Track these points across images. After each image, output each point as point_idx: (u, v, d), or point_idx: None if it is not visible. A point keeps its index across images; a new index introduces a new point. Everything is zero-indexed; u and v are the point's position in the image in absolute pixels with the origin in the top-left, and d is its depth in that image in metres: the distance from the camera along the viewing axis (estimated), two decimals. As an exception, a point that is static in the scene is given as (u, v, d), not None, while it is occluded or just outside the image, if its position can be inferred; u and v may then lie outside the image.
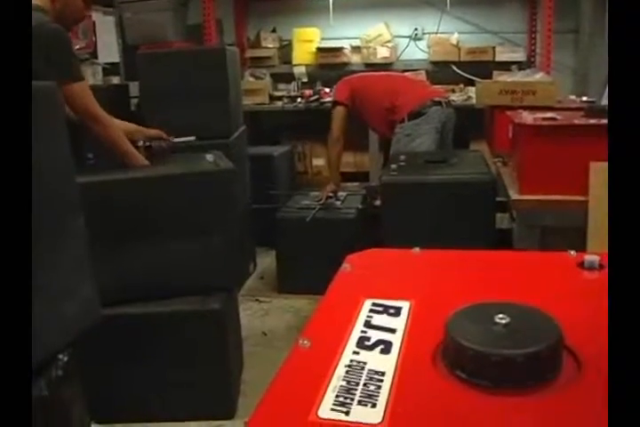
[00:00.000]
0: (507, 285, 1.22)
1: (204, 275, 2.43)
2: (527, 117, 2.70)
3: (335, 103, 3.99)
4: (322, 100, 5.35)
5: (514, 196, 2.60)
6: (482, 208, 2.85)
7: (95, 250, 1.59)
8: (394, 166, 3.03)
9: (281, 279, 3.78)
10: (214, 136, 3.31)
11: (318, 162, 5.70)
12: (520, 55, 5.45)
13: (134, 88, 4.27)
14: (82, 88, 2.23)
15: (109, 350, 2.35)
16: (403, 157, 3.22)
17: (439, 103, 3.85)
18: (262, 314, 3.51)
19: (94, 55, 4.87)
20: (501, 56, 5.41)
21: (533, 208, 2.57)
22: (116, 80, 5.09)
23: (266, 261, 4.20)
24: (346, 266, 1.34)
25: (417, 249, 1.40)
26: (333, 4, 5.71)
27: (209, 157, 2.56)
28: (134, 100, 4.48)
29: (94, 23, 4.82)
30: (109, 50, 5.10)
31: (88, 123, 2.27)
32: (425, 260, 1.39)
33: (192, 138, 2.87)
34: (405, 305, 1.13)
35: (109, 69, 5.05)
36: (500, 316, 0.93)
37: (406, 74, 5.17)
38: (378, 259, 1.42)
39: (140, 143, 2.59)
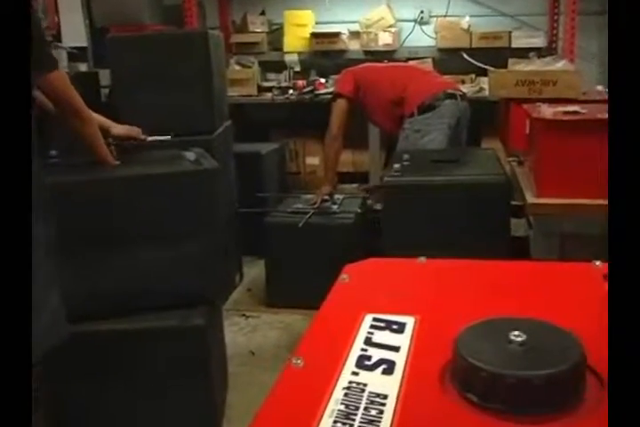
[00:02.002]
0: (523, 298, 1.23)
1: (185, 287, 2.43)
2: (546, 111, 2.71)
3: (336, 96, 4.02)
4: (316, 92, 5.36)
5: (530, 199, 2.61)
6: (495, 213, 2.86)
7: (61, 260, 1.59)
8: (397, 166, 3.04)
9: (270, 292, 3.79)
10: (196, 131, 3.33)
11: (312, 161, 5.73)
12: (539, 41, 5.45)
13: (104, 76, 4.26)
14: (62, 78, 2.21)
15: (79, 371, 2.35)
16: (407, 156, 3.23)
17: (453, 96, 3.86)
18: (249, 330, 3.51)
19: (57, 38, 4.80)
20: (518, 42, 5.42)
21: (552, 213, 2.57)
22: (83, 67, 5.02)
23: (253, 271, 4.21)
24: (344, 277, 1.34)
25: (422, 259, 1.41)
26: (328, -15, 5.74)
27: (190, 155, 2.56)
28: (105, 91, 4.46)
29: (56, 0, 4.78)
30: (75, 32, 5.02)
31: (68, 117, 2.26)
32: (431, 270, 1.39)
33: (168, 137, 2.85)
34: (410, 320, 1.13)
35: (75, 55, 4.96)
36: (516, 333, 0.93)
37: (411, 63, 5.19)
38: (379, 269, 1.43)
39: (111, 140, 2.58)
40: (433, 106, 3.77)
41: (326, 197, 3.93)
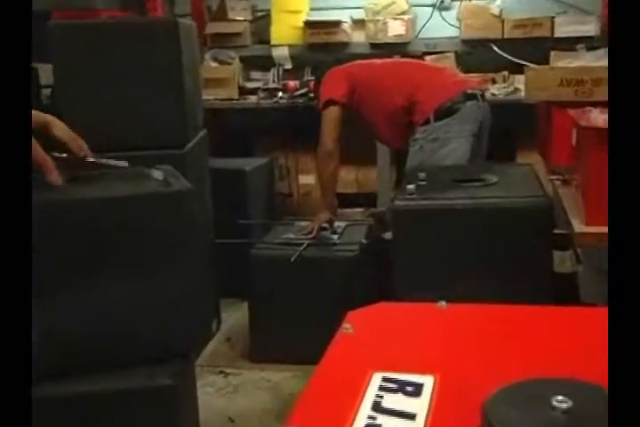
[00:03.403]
0: (567, 355, 1.23)
1: (149, 335, 2.42)
2: (598, 118, 2.71)
3: (327, 103, 4.00)
4: (312, 95, 5.35)
5: (579, 227, 2.61)
6: (533, 245, 2.87)
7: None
8: (411, 187, 3.05)
9: (255, 343, 3.78)
10: (164, 145, 3.34)
11: (307, 180, 5.74)
12: (590, 28, 5.37)
13: (46, 73, 4.25)
14: None
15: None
16: (423, 175, 3.24)
17: (474, 97, 3.90)
18: (229, 391, 3.51)
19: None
20: (563, 30, 5.40)
21: (606, 245, 2.58)
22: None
23: (234, 316, 4.22)
24: (347, 327, 1.35)
25: (443, 303, 1.42)
26: (327, -40, 5.79)
27: (156, 173, 2.56)
28: (46, 91, 4.47)
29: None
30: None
31: None
32: (454, 318, 1.40)
33: (123, 163, 2.69)
34: (428, 381, 1.14)
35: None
36: (559, 398, 0.93)
37: (427, 59, 5.23)
38: (390, 317, 1.43)
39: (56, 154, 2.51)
40: (453, 109, 3.82)
41: (325, 225, 3.93)
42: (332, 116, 3.95)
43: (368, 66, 4.21)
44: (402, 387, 1.12)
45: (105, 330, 2.37)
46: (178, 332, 2.46)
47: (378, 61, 4.31)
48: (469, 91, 3.92)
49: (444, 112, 3.81)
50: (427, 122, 3.81)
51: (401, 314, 1.46)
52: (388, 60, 4.40)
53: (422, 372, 1.16)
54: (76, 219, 2.34)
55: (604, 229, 2.54)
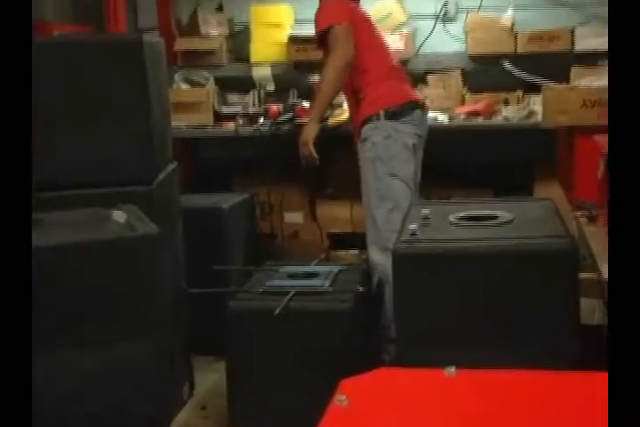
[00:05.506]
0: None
1: (110, 404, 2.40)
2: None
3: (332, 26, 4.28)
4: (298, 121, 5.35)
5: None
6: (555, 293, 2.85)
7: None
8: (412, 227, 3.04)
9: (234, 411, 3.73)
10: (128, 180, 3.33)
11: (293, 218, 5.74)
12: (616, 41, 5.49)
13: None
14: None
15: None
16: (426, 211, 3.23)
17: (421, 106, 4.44)
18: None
19: None
20: (584, 43, 5.42)
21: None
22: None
23: (210, 378, 4.20)
24: (341, 398, 1.34)
25: (451, 370, 1.40)
26: (314, -34, 5.81)
27: (118, 215, 2.56)
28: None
29: None
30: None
31: None
32: (464, 388, 1.39)
33: None
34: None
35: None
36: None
37: (430, 77, 5.32)
38: (390, 387, 1.42)
39: None
40: (398, 114, 4.32)
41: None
42: (343, 33, 4.26)
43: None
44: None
45: (58, 398, 2.36)
46: (144, 402, 2.44)
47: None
48: (417, 99, 4.50)
49: (391, 115, 4.30)
50: (376, 117, 4.31)
51: (403, 383, 1.45)
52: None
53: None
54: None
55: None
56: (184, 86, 5.77)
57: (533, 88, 5.28)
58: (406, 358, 2.68)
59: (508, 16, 5.57)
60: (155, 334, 2.46)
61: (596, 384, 1.42)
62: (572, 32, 5.47)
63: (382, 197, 4.31)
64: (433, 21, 5.89)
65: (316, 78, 5.09)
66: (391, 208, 4.26)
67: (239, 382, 3.72)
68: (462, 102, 5.50)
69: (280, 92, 5.84)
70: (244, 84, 5.90)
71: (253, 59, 5.86)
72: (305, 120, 5.17)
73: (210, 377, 4.19)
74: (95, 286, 2.36)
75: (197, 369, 4.16)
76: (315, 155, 4.39)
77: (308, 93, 5.38)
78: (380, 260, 4.19)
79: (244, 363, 3.70)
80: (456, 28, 5.87)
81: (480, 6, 5.75)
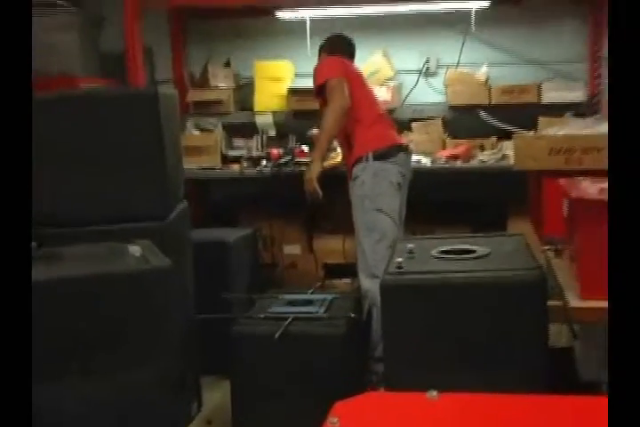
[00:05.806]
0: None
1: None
2: (590, 188, 2.69)
3: (329, 80, 4.38)
4: (297, 160, 5.40)
5: (574, 302, 2.57)
6: (527, 318, 2.82)
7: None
8: (399, 260, 3.02)
9: (238, 425, 3.70)
10: (142, 217, 3.31)
11: (292, 250, 5.71)
12: (578, 95, 5.52)
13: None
14: None
15: None
16: (411, 246, 3.21)
17: (405, 148, 4.60)
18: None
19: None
20: (550, 96, 5.52)
21: (604, 320, 2.53)
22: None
23: (215, 397, 4.15)
24: (333, 421, 1.30)
25: (433, 394, 1.37)
26: (311, 27, 5.83)
27: (134, 249, 2.54)
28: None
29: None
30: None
31: None
32: (443, 410, 1.36)
33: None
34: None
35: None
36: None
37: (414, 125, 5.33)
38: (377, 409, 1.39)
39: None
40: (385, 155, 4.41)
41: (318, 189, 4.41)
42: (338, 86, 4.35)
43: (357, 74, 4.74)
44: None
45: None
46: (153, 418, 2.40)
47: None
48: (402, 143, 4.64)
49: (378, 156, 4.39)
50: (365, 158, 4.40)
51: (389, 406, 1.41)
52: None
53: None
54: (43, 302, 2.28)
55: (601, 304, 2.51)
56: (195, 132, 5.77)
57: (506, 135, 5.29)
58: (393, 379, 2.67)
59: (482, 72, 5.65)
60: (165, 360, 2.43)
61: (576, 408, 1.39)
62: (539, 86, 5.56)
63: (370, 230, 4.36)
64: (417, 76, 5.96)
65: (314, 131, 5.11)
66: (378, 239, 4.31)
67: (242, 398, 3.68)
68: (443, 147, 5.54)
69: (281, 138, 5.85)
70: (249, 130, 5.90)
71: (257, 108, 5.88)
72: (304, 160, 5.21)
73: (216, 394, 4.15)
74: (111, 316, 2.33)
75: (204, 387, 4.11)
76: (319, 190, 4.41)
77: (306, 139, 5.40)
78: (369, 285, 4.21)
79: (247, 382, 3.67)
80: (437, 82, 5.94)
81: (458, 63, 5.83)
